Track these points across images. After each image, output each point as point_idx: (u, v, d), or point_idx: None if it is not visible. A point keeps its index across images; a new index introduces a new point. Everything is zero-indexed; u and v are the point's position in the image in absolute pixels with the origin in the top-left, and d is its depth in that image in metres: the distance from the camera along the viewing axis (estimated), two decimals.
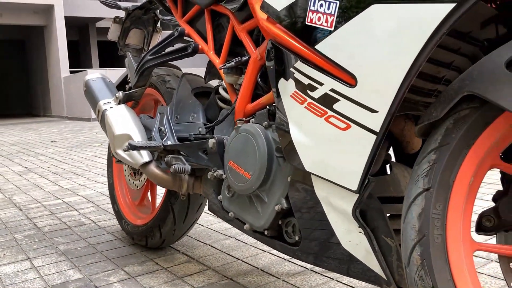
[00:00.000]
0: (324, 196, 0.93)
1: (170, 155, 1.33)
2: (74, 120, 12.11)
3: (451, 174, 0.74)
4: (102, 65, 16.59)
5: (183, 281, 1.45)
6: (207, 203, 1.32)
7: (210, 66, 1.49)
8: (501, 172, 0.84)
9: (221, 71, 1.30)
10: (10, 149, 5.67)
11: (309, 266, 1.51)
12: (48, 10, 13.20)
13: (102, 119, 1.53)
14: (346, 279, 1.39)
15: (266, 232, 1.09)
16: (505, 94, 0.69)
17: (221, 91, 1.39)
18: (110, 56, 17.98)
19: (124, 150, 1.34)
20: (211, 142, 1.21)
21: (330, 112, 0.85)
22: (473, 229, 1.48)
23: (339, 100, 0.83)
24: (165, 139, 1.37)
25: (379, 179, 0.99)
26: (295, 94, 0.93)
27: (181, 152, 1.35)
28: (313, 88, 0.88)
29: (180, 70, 1.76)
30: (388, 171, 1.08)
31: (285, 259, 1.59)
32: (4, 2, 12.29)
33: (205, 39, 1.43)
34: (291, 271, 1.49)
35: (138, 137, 1.43)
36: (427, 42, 0.70)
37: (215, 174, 1.22)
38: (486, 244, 0.75)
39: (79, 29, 16.19)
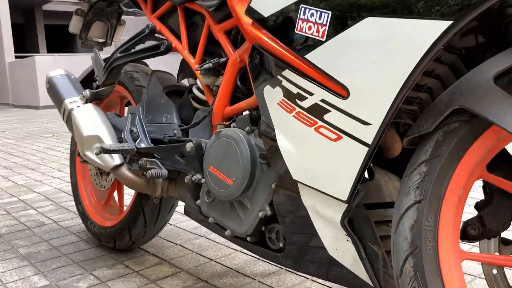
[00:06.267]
0: (311, 205, 0.93)
1: (144, 158, 1.29)
2: (21, 108, 11.56)
3: (442, 186, 0.75)
4: (50, 50, 15.88)
5: (157, 285, 1.42)
6: (183, 207, 1.29)
7: (184, 65, 1.45)
8: (483, 181, 0.87)
9: (198, 72, 1.27)
10: None
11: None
12: None
13: (68, 118, 1.46)
14: (321, 279, 1.40)
15: (248, 238, 1.08)
16: (494, 108, 0.71)
17: (195, 91, 1.36)
18: (59, 41, 17.24)
19: (96, 154, 1.29)
20: (189, 146, 1.18)
21: (320, 123, 0.85)
22: None
23: (330, 111, 0.83)
24: (138, 141, 1.33)
25: (363, 186, 1.00)
26: (283, 102, 0.91)
27: (155, 155, 1.31)
28: (302, 98, 0.87)
29: (148, 67, 1.71)
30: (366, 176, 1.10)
31: (258, 259, 1.59)
32: None
33: (178, 37, 1.39)
34: (266, 271, 1.49)
35: (108, 139, 1.38)
36: (423, 58, 0.71)
37: (193, 179, 1.19)
38: (474, 253, 0.77)
39: (24, 12, 15.40)
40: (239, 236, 1.10)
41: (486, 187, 0.85)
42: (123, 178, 1.35)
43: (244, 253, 1.64)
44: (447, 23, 0.68)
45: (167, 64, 5.38)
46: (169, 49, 1.35)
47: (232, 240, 1.14)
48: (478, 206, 0.85)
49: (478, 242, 0.85)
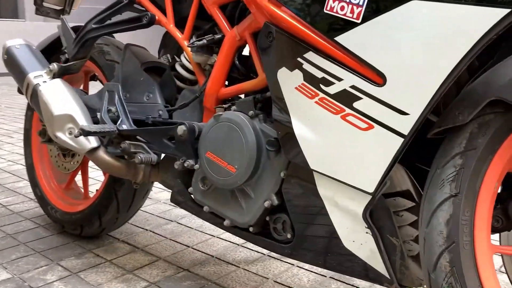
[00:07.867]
0: (328, 196, 0.89)
1: (128, 142, 1.18)
2: None
3: (477, 179, 0.74)
4: None
5: (135, 275, 1.34)
6: (170, 194, 1.20)
7: (167, 40, 1.34)
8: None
9: (188, 49, 1.17)
10: None
11: (265, 251, 1.48)
12: None
13: (33, 95, 1.31)
14: (308, 265, 1.38)
15: (251, 229, 1.03)
16: None
17: (178, 68, 1.26)
18: None
19: (76, 136, 1.16)
20: (181, 129, 1.09)
21: (348, 110, 0.80)
22: None
23: (361, 98, 0.78)
24: (119, 122, 1.21)
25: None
26: (303, 86, 0.85)
27: (138, 137, 1.21)
28: (328, 83, 0.81)
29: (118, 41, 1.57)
30: None
31: (238, 245, 1.54)
32: None
33: (161, 9, 1.27)
34: (249, 258, 1.44)
35: (81, 118, 1.25)
36: (472, 48, 0.67)
37: (185, 164, 1.10)
38: (503, 246, 0.77)
39: None
40: (240, 226, 1.04)
41: (507, 179, 0.85)
42: (100, 162, 1.23)
43: (222, 239, 1.58)
44: (505, 11, 0.65)
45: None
46: (152, 22, 1.23)
47: (231, 230, 1.08)
48: (500, 198, 0.85)
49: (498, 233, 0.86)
